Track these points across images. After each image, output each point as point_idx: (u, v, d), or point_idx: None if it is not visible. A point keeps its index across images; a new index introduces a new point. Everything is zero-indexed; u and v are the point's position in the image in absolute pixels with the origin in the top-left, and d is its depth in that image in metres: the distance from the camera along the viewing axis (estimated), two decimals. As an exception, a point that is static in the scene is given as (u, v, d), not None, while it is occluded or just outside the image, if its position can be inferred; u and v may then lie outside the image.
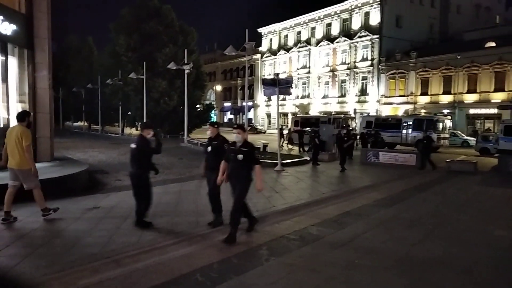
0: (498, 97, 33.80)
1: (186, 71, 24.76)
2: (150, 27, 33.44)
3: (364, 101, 44.96)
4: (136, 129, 39.74)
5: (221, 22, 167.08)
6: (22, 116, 6.58)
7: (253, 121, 59.68)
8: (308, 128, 26.83)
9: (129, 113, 37.67)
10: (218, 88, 59.37)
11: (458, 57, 36.15)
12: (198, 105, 38.34)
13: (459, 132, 33.06)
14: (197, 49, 37.34)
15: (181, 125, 27.34)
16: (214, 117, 45.60)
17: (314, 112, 48.94)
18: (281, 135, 22.94)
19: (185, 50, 26.31)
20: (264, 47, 59.98)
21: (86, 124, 52.46)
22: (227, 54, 18.93)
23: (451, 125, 30.00)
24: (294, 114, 48.74)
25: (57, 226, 6.43)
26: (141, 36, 33.62)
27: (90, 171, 11.81)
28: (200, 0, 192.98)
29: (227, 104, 69.15)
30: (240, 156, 5.74)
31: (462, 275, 4.73)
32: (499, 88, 34.11)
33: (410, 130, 27.01)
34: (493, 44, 35.68)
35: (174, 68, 25.32)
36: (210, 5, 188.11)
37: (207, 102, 49.34)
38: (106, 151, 21.24)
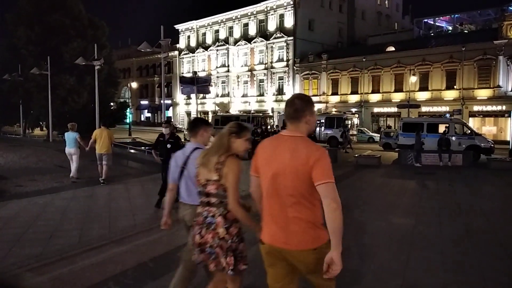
0: (398, 97, 37.44)
1: (97, 67, 23.27)
2: (54, 19, 30.71)
3: (281, 100, 46.54)
4: (41, 129, 36.37)
5: (136, 17, 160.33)
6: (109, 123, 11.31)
7: (172, 120, 58.30)
8: None
9: (32, 112, 34.28)
10: (134, 85, 56.61)
11: (364, 60, 39.27)
12: (111, 103, 36.29)
13: (365, 129, 35.97)
14: (108, 44, 35.24)
15: (92, 124, 25.59)
16: (130, 115, 43.50)
17: (234, 110, 49.40)
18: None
19: (95, 45, 24.69)
20: (182, 44, 58.85)
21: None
22: (142, 50, 18.16)
23: (358, 122, 32.60)
24: (214, 112, 48.72)
25: None
26: (44, 29, 30.72)
27: (-15, 177, 10.56)
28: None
29: (144, 102, 66.59)
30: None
31: (367, 260, 5.17)
32: (398, 89, 37.79)
33: (323, 128, 28.68)
34: (392, 48, 39.42)
35: (83, 63, 23.61)
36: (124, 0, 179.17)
37: (122, 100, 46.92)
38: (6, 154, 19.20)
